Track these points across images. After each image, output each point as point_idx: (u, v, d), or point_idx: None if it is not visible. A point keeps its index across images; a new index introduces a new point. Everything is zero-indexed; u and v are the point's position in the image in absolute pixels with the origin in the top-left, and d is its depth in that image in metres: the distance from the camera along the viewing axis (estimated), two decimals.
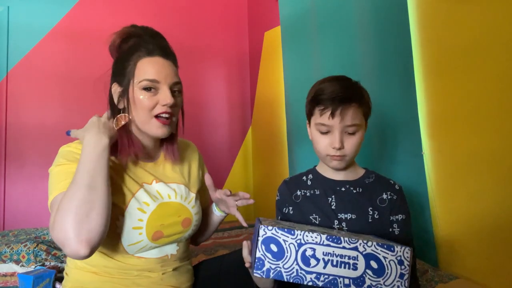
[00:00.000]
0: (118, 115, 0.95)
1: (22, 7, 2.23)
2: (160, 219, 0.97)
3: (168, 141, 1.06)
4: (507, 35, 1.03)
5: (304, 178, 1.03)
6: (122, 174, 0.96)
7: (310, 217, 0.96)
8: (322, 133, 0.93)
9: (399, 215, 0.94)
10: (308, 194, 0.99)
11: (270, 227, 0.72)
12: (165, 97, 0.93)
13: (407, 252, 0.71)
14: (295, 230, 0.72)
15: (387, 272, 0.71)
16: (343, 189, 0.96)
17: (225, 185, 2.64)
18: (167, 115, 0.95)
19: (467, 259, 1.16)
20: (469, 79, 1.14)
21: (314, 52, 1.84)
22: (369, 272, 0.71)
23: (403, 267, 0.71)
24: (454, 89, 1.19)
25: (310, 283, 0.72)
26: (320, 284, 0.72)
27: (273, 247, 0.72)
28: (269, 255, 0.72)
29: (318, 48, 1.81)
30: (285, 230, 0.72)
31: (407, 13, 1.33)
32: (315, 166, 1.04)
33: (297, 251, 0.72)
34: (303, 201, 0.99)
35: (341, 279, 0.71)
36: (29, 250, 1.43)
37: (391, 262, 0.71)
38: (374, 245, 0.72)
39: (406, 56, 1.32)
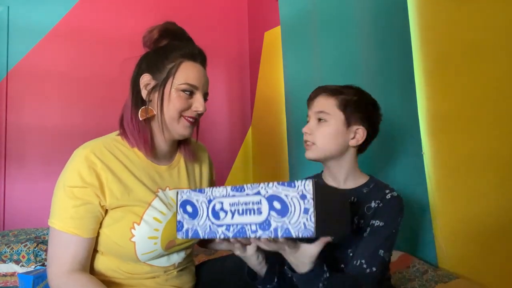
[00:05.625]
0: (143, 107, 0.95)
1: (22, 7, 2.23)
2: (175, 229, 0.97)
3: (184, 143, 1.06)
4: (507, 36, 1.03)
5: None
6: (137, 179, 0.94)
7: None
8: (306, 123, 1.00)
9: (377, 221, 0.89)
10: None
11: (186, 191, 0.78)
12: (199, 104, 0.96)
13: (307, 185, 0.66)
14: (206, 189, 0.75)
15: (291, 210, 0.67)
16: None
17: (225, 185, 2.64)
18: (193, 120, 0.97)
19: (467, 259, 1.16)
20: (469, 79, 1.14)
21: (314, 52, 1.84)
22: (274, 213, 0.68)
23: (306, 201, 0.66)
24: (454, 89, 1.19)
25: (222, 236, 0.73)
26: (231, 235, 0.72)
27: (189, 208, 0.76)
28: (186, 216, 0.77)
29: (318, 48, 1.81)
30: (197, 190, 0.77)
31: (407, 14, 1.33)
32: (322, 171, 1.04)
33: (207, 208, 0.75)
34: None
35: (248, 226, 0.70)
36: (29, 250, 1.43)
37: (294, 198, 0.67)
38: (275, 185, 0.69)
39: (406, 56, 1.32)
